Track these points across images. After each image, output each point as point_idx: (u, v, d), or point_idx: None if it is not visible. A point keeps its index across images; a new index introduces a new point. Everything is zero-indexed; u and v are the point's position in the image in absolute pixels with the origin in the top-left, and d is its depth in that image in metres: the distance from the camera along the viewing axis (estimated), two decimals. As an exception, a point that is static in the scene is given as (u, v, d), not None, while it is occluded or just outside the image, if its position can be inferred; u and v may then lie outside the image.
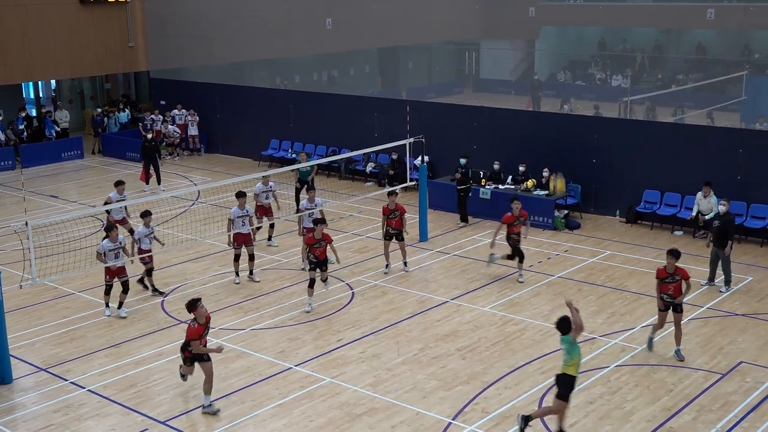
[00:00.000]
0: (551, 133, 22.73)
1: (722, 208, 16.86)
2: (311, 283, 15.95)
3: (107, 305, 16.05)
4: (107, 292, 15.94)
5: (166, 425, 12.05)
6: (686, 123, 29.54)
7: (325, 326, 15.39)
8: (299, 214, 18.69)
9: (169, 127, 30.80)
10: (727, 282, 16.74)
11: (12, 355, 13.81)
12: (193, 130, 30.99)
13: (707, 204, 19.25)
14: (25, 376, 13.68)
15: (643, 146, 21.42)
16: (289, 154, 27.94)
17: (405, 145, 20.39)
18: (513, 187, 21.98)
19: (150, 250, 16.73)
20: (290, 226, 20.91)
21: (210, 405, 12.27)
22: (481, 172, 22.48)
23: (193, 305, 12.02)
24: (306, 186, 20.50)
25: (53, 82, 37.11)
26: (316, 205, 18.31)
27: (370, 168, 26.21)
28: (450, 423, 11.92)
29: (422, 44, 43.78)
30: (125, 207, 19.24)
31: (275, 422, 12.06)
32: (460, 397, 12.65)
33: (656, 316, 15.01)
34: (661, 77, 41.24)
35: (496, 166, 22.49)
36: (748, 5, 38.26)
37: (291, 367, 13.76)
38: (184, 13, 34.00)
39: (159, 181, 25.93)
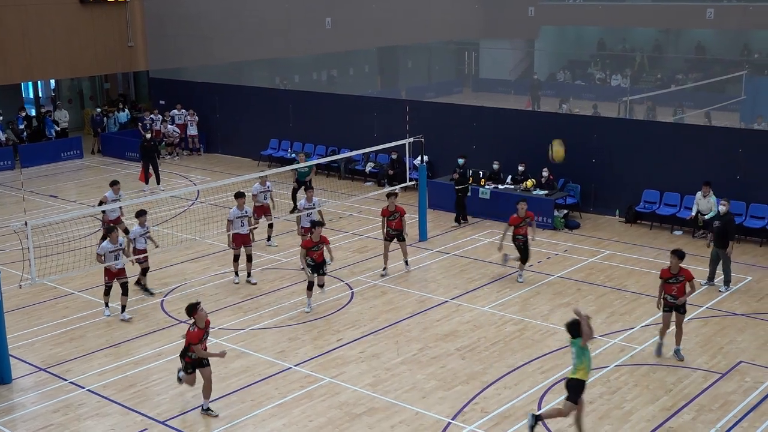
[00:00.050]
0: (551, 132, 22.65)
1: (722, 208, 16.86)
2: (309, 286, 15.93)
3: (107, 305, 16.04)
4: (107, 292, 15.92)
5: (166, 425, 12.05)
6: (686, 123, 29.55)
7: (325, 326, 15.39)
8: (298, 214, 18.68)
9: (169, 126, 30.80)
10: (727, 282, 16.74)
11: (11, 355, 13.81)
12: (192, 130, 30.99)
13: (707, 204, 19.26)
14: (24, 376, 13.67)
15: (642, 146, 21.42)
16: (289, 154, 27.94)
17: (404, 144, 20.40)
18: (512, 186, 21.98)
19: (145, 250, 16.72)
20: (290, 226, 20.91)
21: (209, 408, 12.26)
22: (481, 172, 22.48)
23: (193, 309, 11.99)
24: (304, 186, 20.50)
25: (52, 81, 37.11)
26: (314, 205, 18.32)
27: (370, 168, 26.21)
28: (449, 423, 11.93)
29: (422, 44, 43.78)
30: (120, 207, 19.22)
31: (275, 422, 12.06)
32: (459, 396, 12.65)
33: (655, 317, 15.06)
34: (660, 77, 41.26)
35: (495, 166, 22.49)
36: (748, 5, 38.27)
37: (290, 367, 13.76)
38: (183, 12, 34.00)
39: (158, 181, 25.93)
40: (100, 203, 19.28)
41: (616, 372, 13.33)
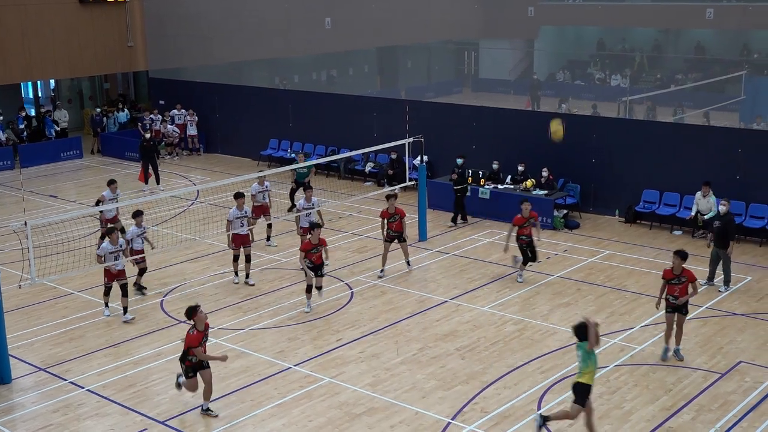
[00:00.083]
0: (550, 133, 22.69)
1: (723, 208, 16.86)
2: (308, 289, 15.91)
3: (107, 305, 16.03)
4: (106, 293, 15.91)
5: (165, 425, 12.05)
6: (685, 123, 29.56)
7: (324, 326, 15.39)
8: (297, 214, 18.66)
9: (168, 126, 30.79)
10: (727, 282, 16.74)
11: (11, 355, 13.81)
12: (192, 130, 30.99)
13: (706, 204, 19.27)
14: (24, 376, 13.67)
15: (642, 146, 21.42)
16: (289, 154, 27.94)
17: (404, 144, 20.38)
18: (512, 186, 21.98)
19: (143, 251, 16.71)
20: (289, 226, 20.90)
21: (208, 409, 12.26)
22: (480, 172, 22.48)
23: (192, 312, 11.97)
24: (303, 186, 20.49)
25: (52, 81, 37.11)
26: (313, 205, 18.30)
27: (369, 168, 26.21)
28: (449, 423, 11.93)
29: (421, 44, 43.79)
30: (116, 202, 19.25)
31: (274, 422, 12.06)
32: (459, 396, 12.65)
33: (654, 317, 15.07)
34: (660, 77, 41.27)
35: (495, 166, 22.49)
36: (747, 5, 38.29)
37: (290, 367, 13.75)
38: (183, 12, 34.00)
39: (158, 181, 25.93)
40: (98, 202, 19.31)
41: (615, 372, 13.33)
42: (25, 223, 13.92)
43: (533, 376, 13.27)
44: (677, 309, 13.47)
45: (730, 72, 36.58)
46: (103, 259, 15.47)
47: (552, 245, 19.71)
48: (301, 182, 21.90)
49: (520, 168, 22.12)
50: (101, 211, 18.80)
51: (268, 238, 20.14)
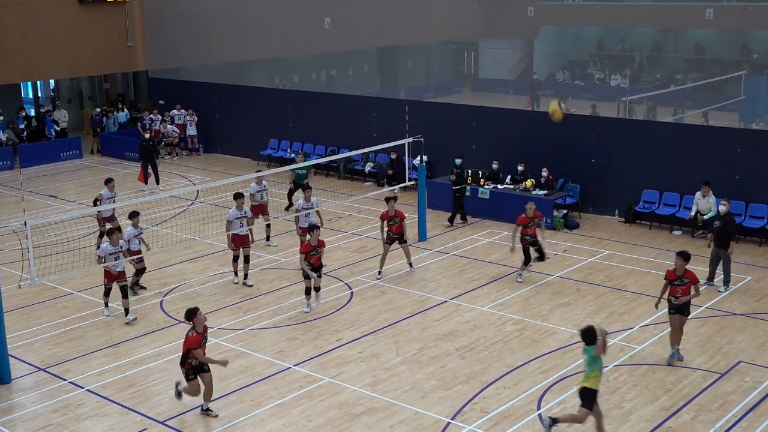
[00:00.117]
0: (550, 132, 22.70)
1: (723, 208, 16.86)
2: (307, 291, 15.89)
3: (107, 305, 16.03)
4: (106, 293, 15.91)
5: (165, 425, 12.05)
6: (685, 123, 29.57)
7: (324, 326, 15.39)
8: (296, 214, 18.63)
9: (168, 126, 30.79)
10: (726, 282, 16.74)
11: (11, 355, 13.80)
12: (191, 130, 30.99)
13: (706, 204, 19.28)
14: (23, 376, 13.67)
15: (641, 146, 21.43)
16: (288, 154, 27.94)
17: (404, 144, 20.38)
18: (512, 186, 21.98)
19: (140, 251, 16.70)
20: (289, 226, 20.89)
21: (208, 409, 12.25)
22: (480, 172, 22.47)
23: (192, 313, 11.92)
24: (302, 187, 20.46)
25: (52, 81, 37.10)
26: (312, 205, 18.28)
27: (369, 168, 26.21)
28: (449, 423, 11.93)
29: (421, 44, 43.79)
30: (114, 200, 19.23)
31: (274, 422, 12.06)
32: (459, 396, 12.65)
33: (654, 317, 15.08)
34: (659, 77, 41.29)
35: (494, 166, 22.49)
36: (747, 5, 38.30)
37: (290, 367, 13.76)
38: (182, 12, 34.00)
39: (158, 181, 25.93)
40: (96, 201, 19.31)
41: (615, 372, 13.33)
42: (25, 223, 13.92)
43: (533, 376, 13.27)
44: (680, 310, 13.41)
45: (729, 72, 36.59)
46: (103, 259, 15.46)
47: (552, 245, 19.69)
48: (299, 183, 21.90)
49: (520, 168, 22.12)
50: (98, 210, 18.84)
51: (268, 238, 20.13)
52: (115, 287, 15.71)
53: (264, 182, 19.88)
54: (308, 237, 15.64)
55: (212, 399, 12.32)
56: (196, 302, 16.29)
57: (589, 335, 10.77)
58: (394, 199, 17.73)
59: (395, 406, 12.43)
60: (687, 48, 43.32)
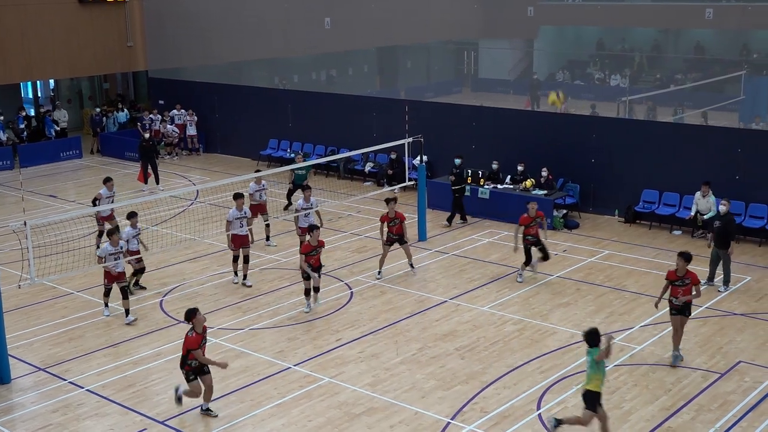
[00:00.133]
0: (550, 132, 22.74)
1: (723, 208, 16.85)
2: (307, 292, 15.87)
3: (106, 305, 16.02)
4: (106, 294, 15.91)
5: (165, 425, 12.04)
6: (685, 123, 29.56)
7: (324, 326, 15.39)
8: (295, 214, 18.61)
9: (168, 126, 30.80)
10: (726, 282, 16.73)
11: (10, 355, 13.80)
12: (191, 130, 30.99)
13: (706, 203, 19.28)
14: (23, 376, 13.67)
15: (641, 146, 21.43)
16: (288, 154, 27.94)
17: (404, 144, 20.38)
18: (511, 186, 21.98)
19: (139, 251, 16.69)
20: (288, 226, 20.88)
21: (208, 408, 12.25)
22: (480, 172, 22.47)
23: (191, 314, 11.85)
24: (301, 187, 20.43)
25: (51, 81, 37.10)
26: (311, 205, 18.26)
27: (369, 168, 26.21)
28: (449, 423, 11.92)
29: (421, 44, 43.80)
30: (112, 201, 19.25)
31: (274, 422, 12.06)
32: (458, 396, 12.65)
33: (653, 317, 15.08)
34: (659, 77, 41.29)
35: (494, 166, 22.48)
36: (747, 5, 38.30)
37: (290, 367, 13.75)
38: (182, 12, 34.00)
39: (157, 181, 25.93)
40: (95, 200, 19.32)
41: (615, 372, 13.32)
42: (25, 223, 13.92)
43: (533, 376, 13.27)
44: (681, 311, 13.37)
45: (729, 72, 36.59)
46: (103, 260, 15.45)
47: (552, 245, 19.66)
48: (298, 184, 21.90)
49: (520, 168, 22.11)
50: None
51: (268, 238, 20.13)
52: (116, 288, 15.69)
53: (263, 182, 19.88)
54: (308, 237, 15.61)
55: (212, 399, 12.32)
56: (196, 302, 16.30)
57: (592, 337, 10.75)
58: (394, 200, 17.67)
59: (395, 406, 12.43)
60: (687, 48, 43.32)
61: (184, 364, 11.93)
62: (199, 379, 12.02)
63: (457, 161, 21.63)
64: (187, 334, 11.91)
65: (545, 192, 21.35)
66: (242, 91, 30.94)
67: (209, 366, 12.06)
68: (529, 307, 16.10)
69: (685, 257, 13.17)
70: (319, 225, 16.59)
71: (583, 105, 34.38)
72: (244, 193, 18.12)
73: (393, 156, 24.54)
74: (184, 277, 18.06)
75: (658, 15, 41.60)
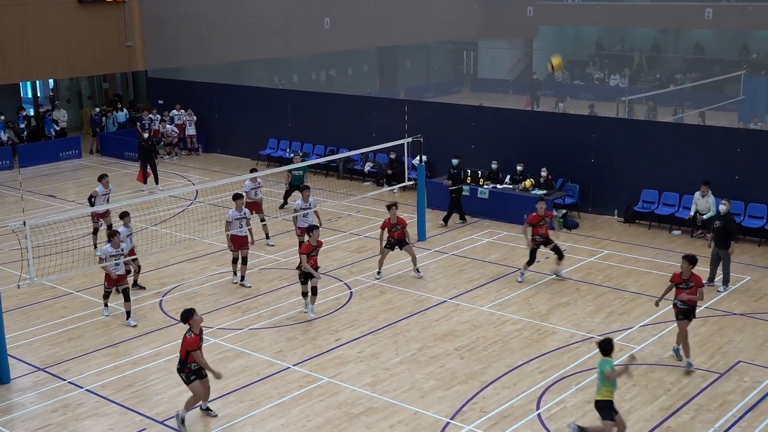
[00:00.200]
0: (549, 132, 22.74)
1: (723, 208, 16.83)
2: (304, 294, 15.82)
3: (106, 305, 16.01)
4: (106, 296, 15.89)
5: (164, 425, 12.04)
6: (684, 123, 29.58)
7: (323, 326, 15.38)
8: (295, 214, 18.58)
9: (167, 126, 30.80)
10: (726, 282, 16.73)
11: (10, 355, 13.79)
12: (190, 130, 30.99)
13: (705, 203, 19.28)
14: (22, 376, 13.66)
15: (641, 146, 21.43)
16: (288, 154, 27.93)
17: (403, 144, 20.38)
18: (511, 186, 21.98)
19: (133, 251, 16.67)
20: (288, 226, 20.87)
21: (208, 408, 12.24)
22: (479, 172, 22.47)
23: (188, 315, 11.73)
24: (298, 188, 20.40)
25: (51, 81, 37.10)
26: (310, 205, 18.23)
27: (369, 167, 26.21)
28: (448, 422, 11.92)
29: (420, 44, 43.81)
30: (108, 199, 19.26)
31: (273, 422, 12.06)
32: (458, 396, 12.65)
33: (653, 317, 15.09)
34: (659, 77, 41.32)
35: (494, 166, 22.48)
36: (746, 5, 38.33)
37: (289, 367, 13.75)
38: (182, 12, 34.00)
39: (157, 181, 25.93)
40: (90, 198, 19.32)
41: (614, 372, 13.31)
42: (24, 223, 13.91)
43: (532, 375, 13.27)
44: (687, 315, 13.26)
45: (729, 72, 36.61)
46: (104, 260, 15.39)
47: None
48: (295, 185, 21.89)
49: (519, 168, 22.11)
50: (91, 205, 18.88)
51: (267, 236, 20.13)
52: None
53: (258, 180, 19.90)
54: (307, 238, 15.56)
55: (212, 399, 12.32)
56: (195, 302, 16.31)
57: (604, 347, 10.72)
58: (395, 206, 17.50)
59: (394, 406, 12.42)
60: (686, 48, 43.35)
61: (183, 367, 11.76)
62: (198, 381, 11.99)
63: (455, 161, 21.62)
64: (185, 335, 11.79)
65: (544, 192, 21.33)
66: (242, 91, 30.93)
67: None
68: (528, 307, 16.10)
69: (690, 260, 13.09)
70: (318, 225, 16.55)
71: (582, 105, 34.38)
72: (244, 194, 18.09)
73: (392, 156, 24.54)
74: (183, 277, 18.06)
75: (658, 15, 41.63)
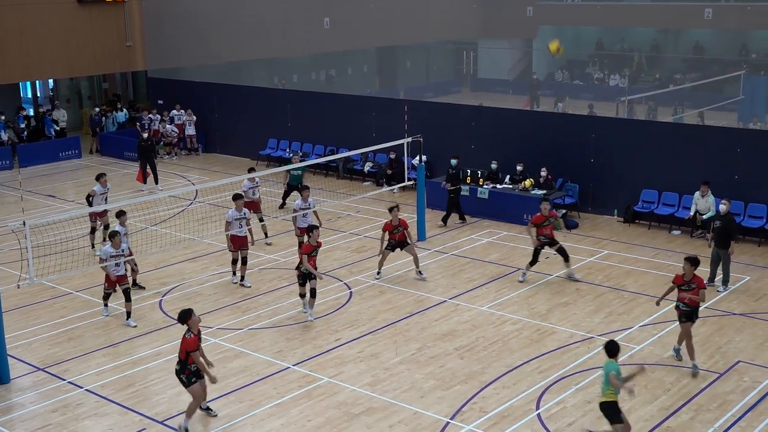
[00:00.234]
0: (549, 132, 22.75)
1: (723, 208, 16.82)
2: (302, 296, 15.76)
3: (106, 305, 16.01)
4: (106, 297, 15.88)
5: (164, 425, 12.04)
6: (684, 123, 29.59)
7: (323, 326, 15.38)
8: (294, 214, 18.58)
9: (167, 126, 30.80)
10: (725, 282, 16.73)
11: (9, 355, 13.79)
12: (190, 130, 30.98)
13: (705, 203, 19.28)
14: (22, 376, 13.66)
15: (640, 146, 21.43)
16: (288, 154, 27.94)
17: (403, 144, 20.38)
18: (511, 186, 21.98)
19: (129, 251, 16.65)
20: (288, 226, 20.87)
21: (208, 408, 12.24)
22: (479, 172, 22.47)
23: (187, 316, 11.66)
24: (297, 189, 20.39)
25: (51, 81, 37.09)
26: (309, 205, 18.22)
27: (368, 167, 26.22)
28: (448, 422, 11.93)
29: (420, 44, 43.84)
30: (106, 198, 19.26)
31: (273, 422, 12.06)
32: (458, 396, 12.65)
33: (653, 317, 15.09)
34: (658, 77, 41.35)
35: (493, 166, 22.48)
36: (746, 5, 38.35)
37: (289, 367, 13.75)
38: (181, 12, 34.00)
39: (156, 181, 25.93)
40: (89, 197, 19.32)
41: (614, 372, 13.32)
42: (24, 223, 13.91)
43: (532, 375, 13.27)
44: (689, 317, 13.22)
45: (728, 72, 36.64)
46: (104, 261, 15.38)
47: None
48: (294, 185, 21.88)
49: (519, 168, 22.11)
50: (90, 205, 18.90)
51: (266, 235, 20.13)
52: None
53: (256, 179, 19.90)
54: (306, 238, 15.51)
55: (212, 399, 12.32)
56: (195, 302, 16.32)
57: (609, 348, 10.72)
58: (397, 208, 17.46)
59: (394, 405, 12.43)
60: (686, 48, 43.37)
61: (184, 368, 11.65)
62: (198, 382, 11.97)
63: (454, 162, 21.61)
64: (184, 336, 11.66)
65: (544, 192, 21.33)
66: (241, 91, 30.94)
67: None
68: (528, 306, 16.10)
69: (692, 262, 13.05)
70: (318, 225, 16.53)
71: (582, 105, 34.39)
72: (242, 194, 18.09)
73: (392, 156, 24.55)
74: (183, 277, 18.06)
75: (658, 15, 41.66)
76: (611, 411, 10.74)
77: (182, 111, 31.02)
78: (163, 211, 22.88)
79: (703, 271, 16.92)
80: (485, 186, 22.13)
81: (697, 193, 19.44)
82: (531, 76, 41.90)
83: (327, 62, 41.55)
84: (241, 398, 12.73)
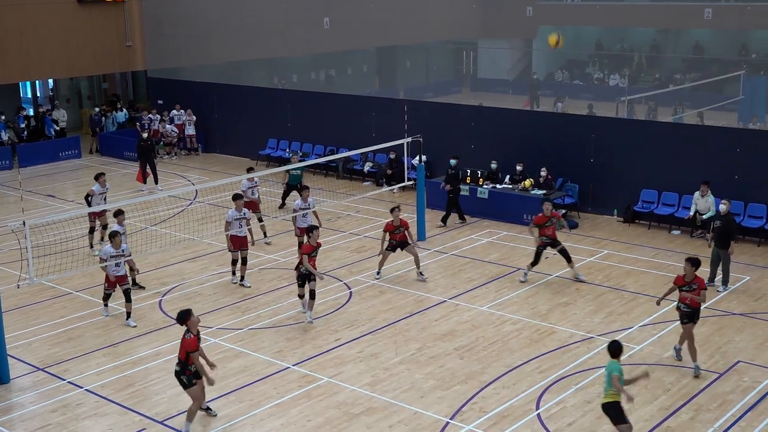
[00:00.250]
0: (549, 132, 22.75)
1: (723, 208, 16.82)
2: (301, 296, 15.75)
3: (106, 306, 16.01)
4: (106, 298, 15.88)
5: (164, 425, 12.04)
6: (684, 122, 29.59)
7: (323, 326, 15.38)
8: (294, 214, 18.57)
9: (167, 126, 30.79)
10: (725, 282, 16.73)
11: (9, 355, 13.79)
12: (190, 130, 30.98)
13: (705, 203, 19.28)
14: (22, 376, 13.66)
15: (640, 146, 21.43)
16: (287, 154, 27.93)
17: (402, 144, 20.38)
18: (510, 186, 21.98)
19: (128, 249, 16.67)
20: (287, 226, 20.87)
21: (208, 408, 12.23)
22: (479, 172, 22.47)
23: (186, 316, 11.60)
24: (296, 188, 20.36)
25: (50, 81, 37.08)
26: (309, 205, 18.21)
27: (368, 167, 26.21)
28: (448, 422, 11.93)
29: (420, 44, 43.83)
30: (105, 198, 19.25)
31: (273, 422, 12.06)
32: (457, 396, 12.65)
33: (653, 317, 15.08)
34: (658, 77, 41.36)
35: (493, 166, 22.48)
36: (746, 5, 38.35)
37: (289, 367, 13.75)
38: (181, 12, 33.99)
39: (156, 181, 25.92)
40: (87, 196, 19.32)
41: (614, 371, 13.32)
42: (24, 223, 13.91)
43: (532, 375, 13.27)
44: (691, 318, 13.19)
45: (728, 72, 36.65)
46: (104, 261, 15.37)
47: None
48: (293, 185, 21.87)
49: (519, 168, 22.11)
50: (89, 204, 18.90)
51: (265, 235, 20.13)
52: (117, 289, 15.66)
53: (255, 179, 19.89)
54: (306, 238, 15.48)
55: (211, 399, 12.32)
56: (195, 302, 16.32)
57: (612, 349, 10.71)
58: (398, 208, 17.43)
59: (394, 405, 12.43)
60: (686, 48, 43.37)
61: (184, 369, 11.59)
62: (197, 383, 11.96)
63: (453, 162, 21.61)
64: (184, 336, 11.59)
65: (544, 192, 21.34)
66: (241, 90, 30.94)
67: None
68: (528, 306, 16.10)
69: (693, 263, 13.03)
70: (318, 225, 16.52)
71: (581, 105, 34.39)
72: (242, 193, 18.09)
73: (392, 156, 24.55)
74: (183, 277, 18.06)
75: (657, 15, 41.66)
76: (614, 412, 10.73)
77: (182, 111, 31.02)
78: (162, 211, 22.88)
79: (703, 271, 16.94)
80: (485, 186, 22.13)
81: (697, 193, 19.44)
82: (531, 76, 41.89)
83: (327, 62, 41.55)
84: (241, 398, 12.73)
